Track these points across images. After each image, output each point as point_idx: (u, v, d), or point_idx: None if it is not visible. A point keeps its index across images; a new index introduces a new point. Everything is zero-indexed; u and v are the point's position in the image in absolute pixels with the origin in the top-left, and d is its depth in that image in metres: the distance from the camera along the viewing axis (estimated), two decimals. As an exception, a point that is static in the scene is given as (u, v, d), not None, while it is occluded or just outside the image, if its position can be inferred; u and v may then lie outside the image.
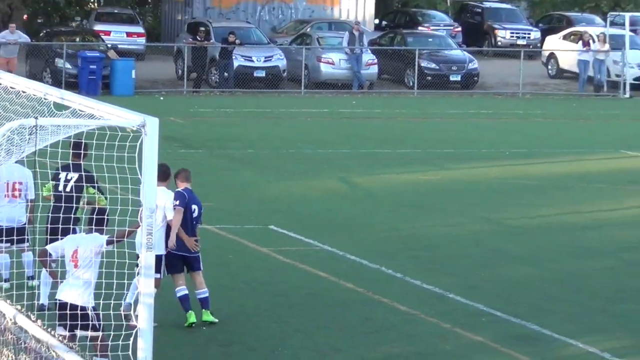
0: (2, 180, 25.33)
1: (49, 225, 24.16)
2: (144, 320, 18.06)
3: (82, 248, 20.77)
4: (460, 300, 27.51)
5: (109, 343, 20.13)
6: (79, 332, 20.28)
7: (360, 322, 27.04)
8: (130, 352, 18.52)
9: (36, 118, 18.81)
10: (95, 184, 25.20)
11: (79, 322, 20.42)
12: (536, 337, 26.00)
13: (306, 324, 26.90)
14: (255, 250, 32.73)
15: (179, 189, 25.14)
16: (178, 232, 23.94)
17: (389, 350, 25.14)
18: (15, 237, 25.01)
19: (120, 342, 19.28)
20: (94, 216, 22.49)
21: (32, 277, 24.87)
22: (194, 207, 25.37)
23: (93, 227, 21.98)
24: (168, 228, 24.37)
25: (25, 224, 25.64)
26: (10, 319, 14.22)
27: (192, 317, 25.28)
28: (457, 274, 30.77)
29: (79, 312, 20.47)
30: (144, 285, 18.41)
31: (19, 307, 14.75)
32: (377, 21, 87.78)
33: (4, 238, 24.60)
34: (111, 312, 21.83)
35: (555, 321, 26.45)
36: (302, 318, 27.33)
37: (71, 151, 23.99)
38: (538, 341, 25.85)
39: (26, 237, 25.24)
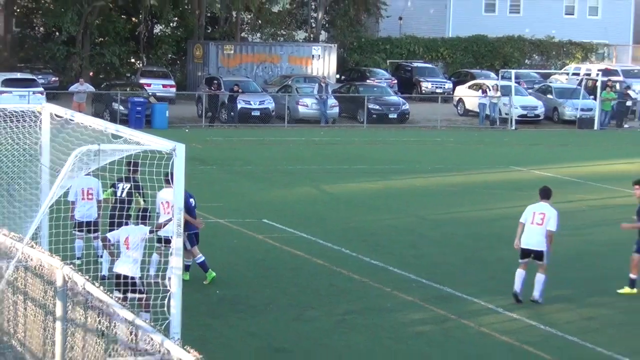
0: (79, 187, 25.70)
1: (109, 220, 24.71)
2: (175, 285, 18.24)
3: (132, 236, 21.05)
4: (397, 272, 27.68)
5: (151, 302, 20.33)
6: (129, 295, 20.50)
7: (327, 287, 27.32)
8: (165, 309, 18.63)
9: (99, 144, 18.98)
10: (141, 191, 25.46)
11: (130, 288, 20.71)
12: (450, 298, 26.21)
13: (290, 289, 27.19)
14: (253, 236, 32.88)
15: None
16: (188, 218, 23.87)
17: (347, 307, 25.36)
18: (91, 228, 25.46)
19: (158, 302, 19.46)
20: (140, 213, 22.89)
21: (100, 256, 25.11)
22: (192, 200, 25.70)
23: (139, 221, 22.31)
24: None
25: (96, 219, 26.02)
26: (81, 286, 14.32)
27: (212, 274, 26.42)
28: (395, 253, 30.94)
29: (129, 280, 20.76)
30: (175, 262, 18.58)
31: (87, 277, 14.82)
32: (338, 76, 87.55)
33: (83, 229, 25.45)
34: (152, 280, 22.12)
35: (463, 286, 26.64)
36: (286, 284, 27.60)
37: (125, 168, 24.17)
38: (452, 300, 26.01)
39: (96, 228, 25.48)
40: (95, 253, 25.82)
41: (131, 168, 25.03)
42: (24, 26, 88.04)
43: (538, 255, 25.75)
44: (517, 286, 25.72)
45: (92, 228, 25.96)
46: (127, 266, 21.21)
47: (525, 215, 25.86)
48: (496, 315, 24.90)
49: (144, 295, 21.04)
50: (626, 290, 26.81)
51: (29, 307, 16.78)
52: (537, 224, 25.58)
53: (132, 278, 21.15)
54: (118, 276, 21.11)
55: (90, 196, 26.43)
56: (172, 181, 18.96)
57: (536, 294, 25.75)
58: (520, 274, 25.73)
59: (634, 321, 24.50)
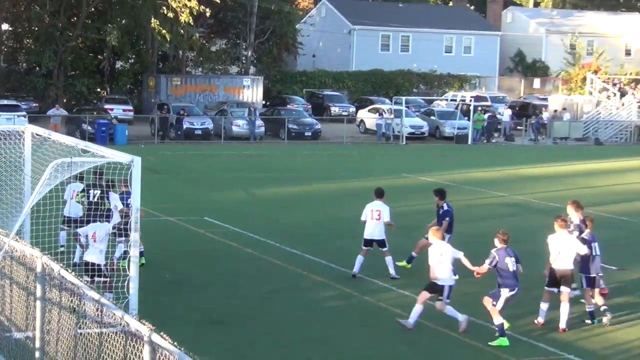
0: (72, 189, 25.33)
1: (85, 218, 24.37)
2: (132, 270, 18.21)
3: (98, 231, 20.96)
4: (311, 258, 27.69)
5: (113, 284, 20.25)
6: (96, 279, 20.42)
7: (255, 271, 27.34)
8: (125, 290, 18.58)
9: (71, 157, 18.91)
10: (106, 195, 25.28)
11: (96, 273, 20.63)
12: (355, 279, 26.28)
13: (225, 272, 27.21)
14: (196, 231, 32.78)
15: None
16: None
17: (271, 286, 25.41)
18: (77, 225, 24.92)
19: (119, 284, 19.40)
20: (104, 213, 22.79)
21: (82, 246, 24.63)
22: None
23: (104, 219, 22.24)
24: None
25: (82, 217, 25.49)
26: (57, 272, 14.27)
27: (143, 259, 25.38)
28: (309, 243, 30.93)
29: (96, 267, 20.68)
30: (133, 251, 18.55)
31: (62, 264, 14.77)
32: (264, 102, 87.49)
33: (71, 224, 25.11)
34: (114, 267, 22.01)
35: (365, 269, 26.64)
36: (222, 269, 27.59)
37: (92, 176, 24.12)
38: (356, 281, 26.08)
39: (82, 225, 24.97)
40: (73, 245, 25.59)
41: (97, 176, 24.96)
42: (10, 62, 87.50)
43: (380, 243, 26.42)
44: (356, 268, 26.44)
45: (78, 225, 25.67)
46: (94, 255, 21.19)
47: (365, 213, 26.39)
48: (391, 293, 25.04)
49: (108, 279, 21.00)
50: (403, 263, 27.54)
51: (14, 289, 16.70)
52: (375, 219, 26.26)
53: (98, 265, 21.11)
54: (87, 263, 21.12)
55: (76, 195, 26.24)
56: (131, 186, 18.93)
57: (392, 272, 26.38)
58: (360, 259, 26.42)
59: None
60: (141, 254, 24.90)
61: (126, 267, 18.81)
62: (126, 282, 19.01)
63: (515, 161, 61.33)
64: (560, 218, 23.22)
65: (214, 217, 35.48)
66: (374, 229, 26.37)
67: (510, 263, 21.27)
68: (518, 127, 79.75)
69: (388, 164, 57.39)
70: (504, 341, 20.96)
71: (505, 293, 21.20)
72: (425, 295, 21.73)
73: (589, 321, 22.78)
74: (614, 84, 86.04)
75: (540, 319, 22.45)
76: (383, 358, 20.12)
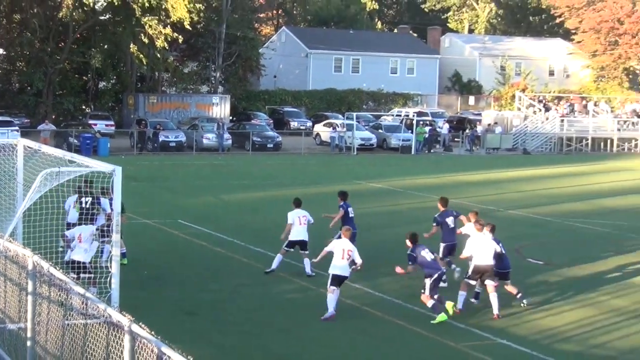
0: (72, 199, 24.92)
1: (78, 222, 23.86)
2: (115, 268, 18.08)
3: (84, 233, 20.83)
4: (273, 255, 27.42)
5: (97, 280, 20.10)
6: (82, 275, 20.27)
7: (224, 267, 27.27)
8: (108, 285, 18.47)
9: (59, 167, 18.76)
10: (97, 200, 25.03)
11: (82, 270, 20.48)
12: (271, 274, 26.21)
13: (197, 269, 27.09)
14: (171, 232, 32.63)
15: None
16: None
17: (238, 281, 25.40)
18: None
19: (102, 280, 19.29)
20: (89, 217, 22.61)
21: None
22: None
23: (89, 222, 22.09)
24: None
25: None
26: (46, 269, 14.13)
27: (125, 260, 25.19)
28: (272, 243, 30.66)
29: (82, 264, 20.53)
30: (114, 251, 18.43)
31: (51, 262, 14.63)
32: (231, 117, 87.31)
33: (71, 227, 24.28)
34: (100, 265, 21.83)
35: (320, 266, 26.55)
36: (195, 266, 27.46)
37: (83, 184, 23.92)
38: (314, 275, 26.02)
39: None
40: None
41: (88, 185, 24.71)
42: (4, 83, 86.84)
43: (303, 244, 26.43)
44: (275, 264, 26.49)
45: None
46: (80, 254, 21.05)
47: (292, 218, 26.37)
48: (344, 285, 24.97)
49: (92, 275, 20.84)
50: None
51: (7, 285, 16.54)
52: (303, 224, 26.33)
53: (84, 263, 20.96)
54: (73, 262, 20.95)
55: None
56: (112, 193, 18.79)
57: (308, 270, 26.20)
58: (279, 257, 26.48)
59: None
60: (123, 255, 24.77)
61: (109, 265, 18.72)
62: (109, 278, 18.90)
63: (453, 169, 61.53)
64: (478, 222, 23.65)
65: (187, 220, 35.32)
66: (300, 233, 26.39)
67: (426, 255, 21.95)
68: (455, 139, 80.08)
69: (341, 172, 57.40)
70: (442, 317, 21.36)
71: (429, 281, 21.71)
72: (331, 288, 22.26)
73: (474, 300, 23.50)
74: (540, 101, 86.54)
75: (459, 306, 22.63)
76: (339, 345, 20.09)
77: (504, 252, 23.31)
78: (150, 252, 28.71)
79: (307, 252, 26.41)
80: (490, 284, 22.54)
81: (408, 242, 22.20)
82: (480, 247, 22.78)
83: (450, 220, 25.97)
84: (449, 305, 21.96)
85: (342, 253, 22.40)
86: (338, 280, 22.27)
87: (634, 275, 27.79)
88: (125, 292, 19.37)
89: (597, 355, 19.72)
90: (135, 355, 11.06)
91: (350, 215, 27.20)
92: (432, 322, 21.28)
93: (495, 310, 22.29)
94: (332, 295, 22.09)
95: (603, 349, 20.17)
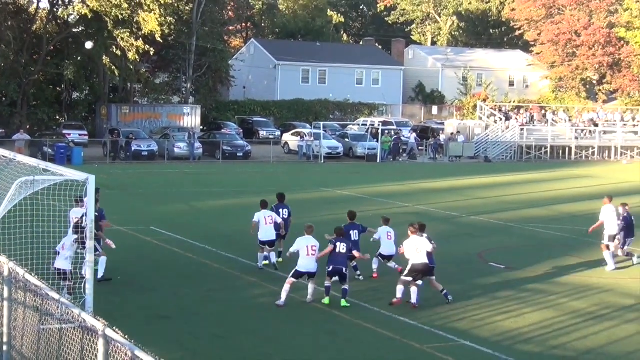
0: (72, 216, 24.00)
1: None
2: (89, 274, 17.99)
3: (67, 241, 20.76)
4: (244, 261, 27.45)
5: (75, 287, 20.04)
6: (62, 283, 20.24)
7: (195, 272, 27.23)
8: (82, 291, 18.38)
9: (34, 176, 18.67)
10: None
11: (62, 277, 20.46)
12: (281, 278, 26.10)
13: (169, 274, 27.01)
14: (144, 239, 32.54)
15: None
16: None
17: (210, 286, 25.35)
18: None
19: (77, 286, 19.20)
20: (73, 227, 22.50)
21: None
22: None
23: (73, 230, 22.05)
24: None
25: None
26: (22, 275, 14.06)
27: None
28: (243, 248, 30.70)
29: (62, 272, 20.52)
30: (88, 257, 18.33)
31: (26, 269, 14.54)
32: (201, 127, 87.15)
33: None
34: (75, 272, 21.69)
35: (289, 270, 26.56)
36: (167, 271, 27.41)
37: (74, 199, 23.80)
38: (282, 280, 25.95)
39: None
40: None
41: (79, 201, 24.30)
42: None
43: (272, 243, 27.70)
44: (260, 263, 27.76)
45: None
46: (61, 262, 21.04)
47: (259, 217, 27.43)
48: (307, 288, 25.01)
49: (72, 283, 20.75)
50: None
51: (-16, 291, 16.42)
52: (270, 224, 27.32)
53: (64, 270, 20.91)
54: (57, 269, 20.96)
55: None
56: (84, 201, 18.70)
57: (273, 260, 27.65)
58: (261, 256, 27.73)
59: (405, 291, 24.79)
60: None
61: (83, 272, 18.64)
62: (83, 284, 18.81)
63: (418, 176, 61.73)
64: (412, 226, 24.41)
65: (159, 227, 35.23)
66: (267, 232, 27.42)
67: (341, 248, 23.97)
68: (419, 148, 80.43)
69: (309, 179, 57.43)
70: (327, 300, 23.69)
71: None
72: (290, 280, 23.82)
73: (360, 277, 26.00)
74: (500, 110, 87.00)
75: (398, 298, 23.68)
76: (306, 346, 20.11)
77: (434, 248, 24.14)
78: (123, 258, 28.51)
79: (274, 248, 27.89)
80: (432, 278, 24.16)
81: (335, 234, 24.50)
82: (414, 248, 23.80)
83: (354, 234, 26.10)
84: (326, 299, 23.70)
85: (306, 250, 23.75)
86: (299, 275, 23.90)
87: (592, 278, 27.98)
88: (99, 297, 19.29)
89: (557, 355, 19.82)
90: (109, 358, 11.03)
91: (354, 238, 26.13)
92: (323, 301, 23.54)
93: (414, 300, 23.58)
94: (287, 286, 23.54)
95: (562, 349, 20.28)
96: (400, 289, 23.69)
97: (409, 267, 23.81)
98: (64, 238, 21.51)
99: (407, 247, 24.02)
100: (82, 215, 24.73)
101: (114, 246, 25.50)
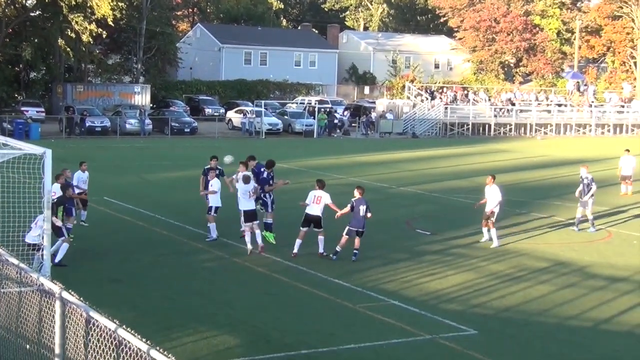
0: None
1: None
2: (46, 241, 17.78)
3: (39, 219, 20.50)
4: (191, 229, 27.33)
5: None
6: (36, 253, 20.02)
7: (146, 240, 27.04)
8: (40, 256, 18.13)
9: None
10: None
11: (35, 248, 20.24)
12: (226, 244, 26.12)
13: (121, 240, 26.78)
14: (97, 208, 32.14)
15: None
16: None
17: (159, 251, 25.27)
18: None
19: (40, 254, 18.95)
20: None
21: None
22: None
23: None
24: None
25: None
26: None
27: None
28: (190, 216, 30.51)
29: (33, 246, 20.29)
30: (45, 225, 18.10)
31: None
32: (151, 105, 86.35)
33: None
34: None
35: (234, 236, 26.51)
36: (119, 238, 27.19)
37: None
38: (227, 246, 25.93)
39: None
40: None
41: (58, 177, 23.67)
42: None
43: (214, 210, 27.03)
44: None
45: None
46: (34, 238, 20.75)
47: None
48: (255, 256, 24.97)
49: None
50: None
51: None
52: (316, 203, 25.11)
53: (36, 245, 20.59)
54: (29, 244, 20.65)
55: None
56: (43, 173, 18.40)
57: (257, 244, 25.51)
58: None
59: (340, 256, 24.84)
60: (69, 230, 24.31)
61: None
62: (40, 250, 18.59)
63: (351, 151, 61.87)
64: (358, 188, 25.23)
65: (112, 197, 34.95)
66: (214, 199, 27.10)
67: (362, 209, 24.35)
68: (352, 124, 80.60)
69: (252, 153, 57.12)
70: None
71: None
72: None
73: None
74: (426, 91, 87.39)
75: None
76: (249, 305, 20.08)
77: (369, 214, 24.66)
78: (78, 226, 28.24)
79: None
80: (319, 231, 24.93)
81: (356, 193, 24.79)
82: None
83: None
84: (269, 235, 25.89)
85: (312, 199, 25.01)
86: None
87: (509, 244, 28.29)
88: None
89: (477, 313, 20.02)
90: (65, 319, 10.91)
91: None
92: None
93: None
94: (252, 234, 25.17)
95: (482, 308, 20.50)
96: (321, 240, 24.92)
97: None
98: (38, 215, 20.94)
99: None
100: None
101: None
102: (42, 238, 19.06)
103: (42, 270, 17.55)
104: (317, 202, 24.87)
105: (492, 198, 27.78)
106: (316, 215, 24.87)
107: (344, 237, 24.59)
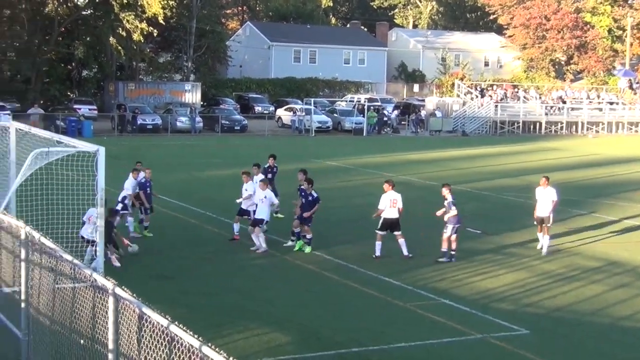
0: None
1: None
2: (99, 238, 17.89)
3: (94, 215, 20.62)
4: (241, 226, 27.32)
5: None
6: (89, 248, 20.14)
7: (195, 237, 27.06)
8: (94, 253, 18.28)
9: (48, 148, 18.56)
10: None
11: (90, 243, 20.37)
12: (275, 242, 26.05)
13: (171, 238, 26.78)
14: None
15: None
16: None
17: (208, 249, 25.34)
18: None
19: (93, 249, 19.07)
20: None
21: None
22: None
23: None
24: None
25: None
26: (38, 239, 13.97)
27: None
28: (236, 210, 30.63)
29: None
30: (99, 222, 18.23)
31: (41, 233, 14.44)
32: (202, 102, 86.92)
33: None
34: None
35: (283, 235, 26.50)
36: (169, 235, 27.19)
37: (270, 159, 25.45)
38: (276, 244, 25.90)
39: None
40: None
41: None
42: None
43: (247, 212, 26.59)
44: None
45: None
46: (88, 232, 20.96)
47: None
48: (305, 253, 24.97)
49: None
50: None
51: (2, 253, 16.36)
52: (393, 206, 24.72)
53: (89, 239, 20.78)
54: (82, 237, 20.89)
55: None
56: (97, 170, 18.52)
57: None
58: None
59: (391, 254, 24.81)
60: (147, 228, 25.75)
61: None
62: (94, 247, 18.73)
63: (400, 149, 61.69)
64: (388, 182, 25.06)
65: (164, 194, 34.92)
66: (391, 213, 24.93)
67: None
68: (402, 122, 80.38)
69: (301, 151, 57.32)
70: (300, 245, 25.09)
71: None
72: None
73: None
74: (476, 88, 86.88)
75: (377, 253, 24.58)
76: (299, 303, 20.09)
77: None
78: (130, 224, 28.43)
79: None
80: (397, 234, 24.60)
81: (306, 184, 25.04)
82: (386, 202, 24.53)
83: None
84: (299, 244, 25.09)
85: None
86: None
87: (560, 242, 28.01)
88: (108, 259, 19.22)
89: (528, 312, 19.85)
90: (118, 315, 10.98)
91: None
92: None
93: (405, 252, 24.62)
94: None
95: (534, 307, 20.32)
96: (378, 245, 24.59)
97: (381, 222, 24.57)
98: (90, 209, 21.16)
99: (382, 200, 24.57)
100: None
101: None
102: (95, 234, 19.20)
103: (95, 266, 17.69)
104: (393, 205, 24.64)
105: (547, 201, 26.73)
106: (394, 218, 24.58)
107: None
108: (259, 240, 25.06)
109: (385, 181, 25.37)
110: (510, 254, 26.11)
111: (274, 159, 31.33)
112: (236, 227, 26.58)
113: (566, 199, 30.96)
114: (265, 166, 30.50)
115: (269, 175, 29.94)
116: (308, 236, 25.10)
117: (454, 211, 24.43)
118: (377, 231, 24.69)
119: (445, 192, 24.79)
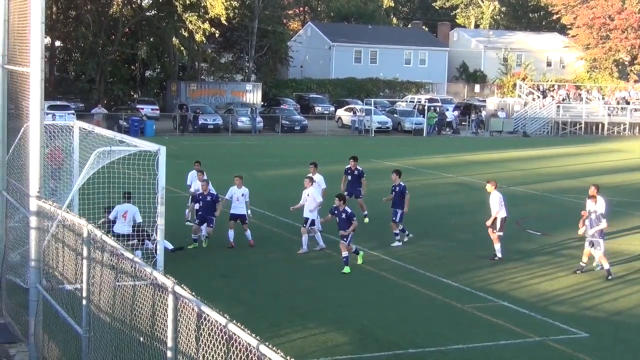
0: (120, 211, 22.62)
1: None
2: (159, 236, 18.08)
3: (129, 212, 20.82)
4: (300, 226, 27.36)
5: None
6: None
7: (258, 237, 27.03)
8: (154, 251, 18.48)
9: (110, 147, 18.80)
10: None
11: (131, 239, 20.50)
12: (334, 242, 26.05)
13: (235, 237, 26.71)
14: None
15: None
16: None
17: (270, 248, 25.32)
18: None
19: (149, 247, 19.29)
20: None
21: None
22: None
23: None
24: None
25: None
26: (100, 237, 14.14)
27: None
28: (300, 214, 30.64)
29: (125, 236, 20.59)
30: (159, 221, 18.41)
31: (103, 231, 14.63)
32: (262, 103, 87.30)
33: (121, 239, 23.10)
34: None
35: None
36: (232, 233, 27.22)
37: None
38: (336, 244, 25.88)
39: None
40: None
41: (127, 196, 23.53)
42: (62, 71, 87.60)
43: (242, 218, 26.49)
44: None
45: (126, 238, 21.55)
46: (124, 229, 21.24)
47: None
48: (364, 253, 24.95)
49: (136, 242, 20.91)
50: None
51: (65, 250, 16.59)
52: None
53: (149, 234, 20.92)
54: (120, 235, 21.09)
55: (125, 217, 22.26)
56: (157, 169, 18.68)
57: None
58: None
59: (448, 255, 24.73)
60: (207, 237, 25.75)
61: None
62: (154, 245, 18.94)
63: (461, 150, 61.32)
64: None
65: (224, 194, 35.22)
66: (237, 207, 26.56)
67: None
68: (462, 123, 79.94)
69: (360, 151, 56.85)
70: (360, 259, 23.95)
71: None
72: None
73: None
74: (538, 89, 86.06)
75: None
76: (356, 303, 20.10)
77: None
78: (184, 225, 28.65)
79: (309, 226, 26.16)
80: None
81: (337, 201, 23.80)
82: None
83: None
84: (360, 256, 23.86)
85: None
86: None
87: (622, 245, 27.66)
88: (168, 257, 19.40)
89: (588, 316, 19.65)
90: (177, 313, 11.09)
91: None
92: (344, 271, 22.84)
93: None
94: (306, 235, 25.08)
95: (594, 310, 20.10)
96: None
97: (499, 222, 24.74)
98: (116, 206, 21.64)
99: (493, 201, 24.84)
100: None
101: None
102: (156, 232, 19.43)
103: (156, 264, 17.86)
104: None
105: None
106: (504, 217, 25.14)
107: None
108: (306, 240, 25.32)
109: (487, 181, 25.90)
110: (570, 256, 25.81)
111: (355, 160, 31.01)
112: (231, 233, 26.08)
113: (627, 201, 30.58)
114: (346, 167, 30.72)
115: (349, 177, 30.08)
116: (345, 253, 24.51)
117: (603, 224, 23.45)
118: (496, 232, 24.90)
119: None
